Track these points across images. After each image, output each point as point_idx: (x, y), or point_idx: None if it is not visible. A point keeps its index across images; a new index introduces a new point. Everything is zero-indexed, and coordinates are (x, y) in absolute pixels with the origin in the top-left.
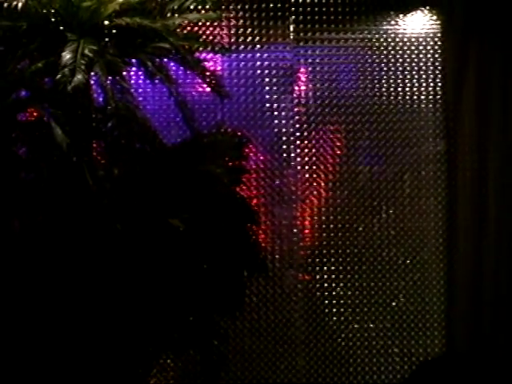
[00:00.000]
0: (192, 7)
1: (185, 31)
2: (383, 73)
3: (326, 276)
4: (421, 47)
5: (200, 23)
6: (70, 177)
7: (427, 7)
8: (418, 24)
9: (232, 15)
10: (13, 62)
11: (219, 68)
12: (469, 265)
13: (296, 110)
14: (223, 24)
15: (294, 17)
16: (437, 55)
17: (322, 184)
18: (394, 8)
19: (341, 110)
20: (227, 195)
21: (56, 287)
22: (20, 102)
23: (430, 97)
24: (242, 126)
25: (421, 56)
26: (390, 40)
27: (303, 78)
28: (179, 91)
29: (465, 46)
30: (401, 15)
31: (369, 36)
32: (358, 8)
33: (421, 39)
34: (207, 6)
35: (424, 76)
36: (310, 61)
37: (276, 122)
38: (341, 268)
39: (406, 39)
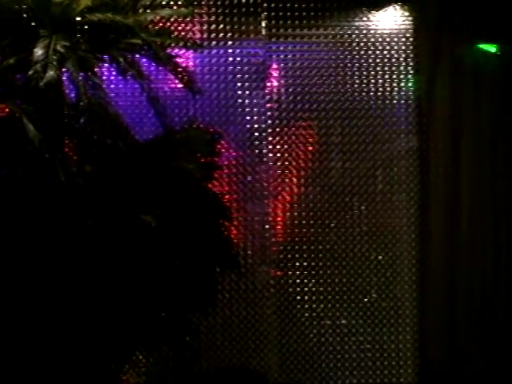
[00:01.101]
0: (164, 3)
1: (157, 27)
2: (355, 69)
3: (298, 272)
4: (393, 43)
5: (172, 19)
6: (43, 173)
7: (399, 3)
8: (391, 20)
9: (204, 11)
10: None
11: (191, 64)
12: (441, 261)
13: (268, 106)
14: (195, 20)
15: (265, 13)
16: (409, 51)
17: (295, 180)
18: (367, 4)
19: (313, 106)
20: (199, 191)
21: (27, 283)
22: None
23: (403, 93)
24: (214, 122)
25: (393, 52)
26: (362, 36)
27: (275, 74)
28: (151, 87)
29: (437, 42)
30: (373, 11)
31: (341, 32)
32: (331, 4)
33: (393, 35)
34: (179, 2)
35: (396, 72)
36: (282, 57)
37: (248, 118)
38: (313, 264)
39: (378, 35)
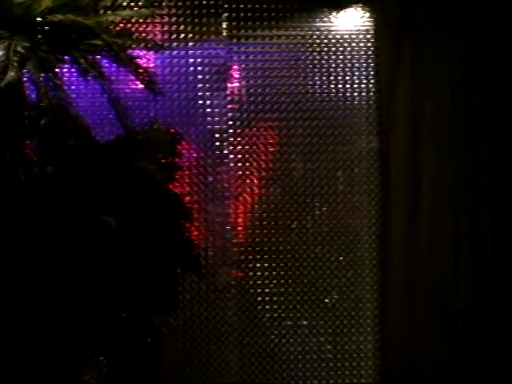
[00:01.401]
0: (125, 4)
1: (118, 28)
2: (316, 70)
3: (259, 273)
4: (354, 44)
5: (133, 20)
6: (3, 174)
7: (360, 4)
8: (352, 21)
9: (165, 12)
10: None
11: (152, 65)
12: (402, 262)
13: (229, 106)
14: (156, 21)
15: (226, 13)
16: (370, 52)
17: (256, 181)
18: (328, 5)
19: (274, 107)
20: (160, 192)
21: None
22: None
23: (364, 94)
24: (176, 123)
25: (354, 53)
26: (323, 37)
27: (236, 75)
28: (112, 88)
29: (398, 43)
30: (334, 12)
31: (302, 33)
32: (291, 5)
33: (354, 36)
34: (140, 3)
35: (357, 73)
36: (243, 58)
37: (209, 118)
38: (274, 265)
39: (339, 36)
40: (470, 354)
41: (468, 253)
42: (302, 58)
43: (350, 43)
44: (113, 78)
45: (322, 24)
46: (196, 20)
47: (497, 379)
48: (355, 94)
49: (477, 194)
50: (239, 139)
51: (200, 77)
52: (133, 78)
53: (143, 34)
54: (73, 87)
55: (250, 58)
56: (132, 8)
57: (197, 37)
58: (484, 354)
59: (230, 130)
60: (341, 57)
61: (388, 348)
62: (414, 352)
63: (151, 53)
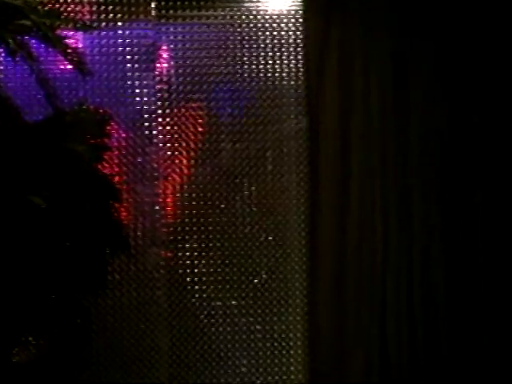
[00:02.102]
0: None
1: (46, 8)
2: (245, 50)
3: (188, 253)
4: (283, 25)
5: (61, 0)
6: None
7: None
8: (281, 2)
9: None
10: None
11: (81, 45)
12: (331, 241)
13: (158, 87)
14: (85, 1)
15: None
16: (299, 33)
17: (185, 161)
18: None
19: (203, 88)
20: (89, 173)
21: None
22: None
23: (293, 74)
24: (104, 104)
25: (283, 33)
26: (251, 17)
27: (165, 56)
28: (41, 68)
29: (327, 24)
30: None
31: (231, 13)
32: None
33: (283, 17)
34: None
35: (286, 53)
36: (172, 38)
37: (138, 99)
38: (203, 245)
39: (267, 16)
40: (400, 338)
41: (396, 228)
42: (231, 38)
43: (278, 24)
44: (41, 58)
45: (250, 4)
46: (125, 0)
47: (426, 365)
48: (284, 74)
49: (406, 172)
50: (168, 120)
51: (129, 57)
52: (61, 58)
53: (72, 15)
54: (1, 68)
55: (179, 38)
56: None
57: (126, 17)
58: (414, 342)
59: (159, 111)
60: (270, 37)
61: (317, 327)
62: (342, 330)
63: (80, 33)
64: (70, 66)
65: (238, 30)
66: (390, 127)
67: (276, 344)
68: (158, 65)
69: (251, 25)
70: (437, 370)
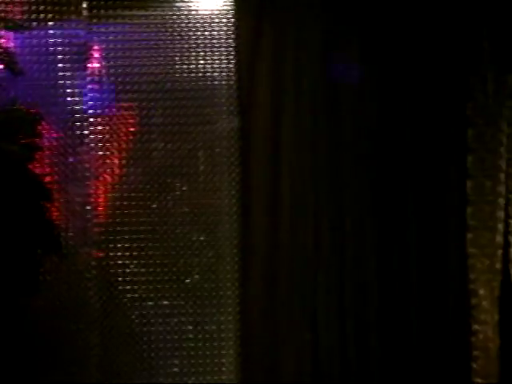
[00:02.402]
0: None
1: None
2: (177, 50)
3: (119, 253)
4: (214, 25)
5: None
6: None
7: None
8: (213, 2)
9: None
10: None
11: (12, 45)
12: (263, 241)
13: (89, 87)
14: (16, 0)
15: None
16: (230, 32)
17: (116, 161)
18: None
19: (135, 87)
20: (20, 172)
21: None
22: None
23: (224, 74)
24: (36, 103)
25: (214, 33)
26: (183, 17)
27: (97, 55)
28: None
29: (259, 23)
30: None
31: (162, 13)
32: None
33: (214, 17)
34: None
35: (217, 53)
36: (103, 38)
37: (69, 99)
38: (135, 245)
39: (199, 16)
40: (331, 334)
41: (328, 228)
42: (163, 38)
43: (210, 23)
44: None
45: (181, 4)
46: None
47: (357, 371)
48: (216, 74)
49: (338, 171)
50: (99, 119)
51: (60, 57)
52: None
53: (2, 14)
54: None
55: (111, 38)
56: None
57: (57, 16)
58: (344, 341)
59: (91, 111)
60: (201, 37)
61: (249, 327)
62: (274, 331)
63: (11, 32)
64: (0, 66)
65: (170, 29)
66: (322, 127)
67: (208, 344)
68: (89, 64)
69: (183, 24)
70: (368, 375)
